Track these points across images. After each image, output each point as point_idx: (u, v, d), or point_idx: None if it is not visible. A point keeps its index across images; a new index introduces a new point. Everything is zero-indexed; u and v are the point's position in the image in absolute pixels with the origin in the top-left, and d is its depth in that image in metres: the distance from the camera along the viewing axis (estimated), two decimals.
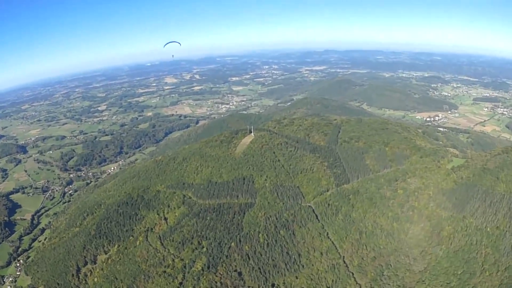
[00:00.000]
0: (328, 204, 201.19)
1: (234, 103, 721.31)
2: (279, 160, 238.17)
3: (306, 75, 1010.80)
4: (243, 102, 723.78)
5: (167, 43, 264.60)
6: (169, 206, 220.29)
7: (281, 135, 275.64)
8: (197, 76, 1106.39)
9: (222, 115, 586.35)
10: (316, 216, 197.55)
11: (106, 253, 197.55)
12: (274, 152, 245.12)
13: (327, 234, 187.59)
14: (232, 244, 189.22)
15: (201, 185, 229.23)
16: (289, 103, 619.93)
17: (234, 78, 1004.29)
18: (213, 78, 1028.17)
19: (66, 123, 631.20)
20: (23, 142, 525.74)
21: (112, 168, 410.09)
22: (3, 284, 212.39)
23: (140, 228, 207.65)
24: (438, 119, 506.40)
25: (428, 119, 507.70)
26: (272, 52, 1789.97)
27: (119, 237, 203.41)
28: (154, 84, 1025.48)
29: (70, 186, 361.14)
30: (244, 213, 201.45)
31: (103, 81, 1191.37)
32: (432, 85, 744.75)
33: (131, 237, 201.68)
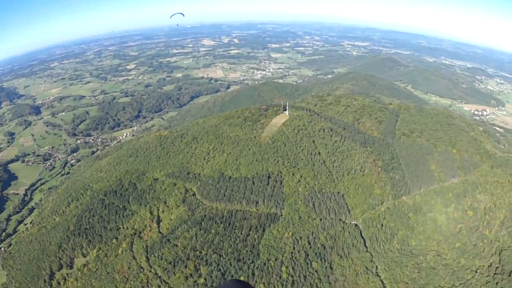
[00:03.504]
0: (382, 225, 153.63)
1: (271, 70, 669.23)
2: (319, 153, 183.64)
3: (348, 49, 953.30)
4: (280, 70, 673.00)
5: (173, 15, 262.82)
6: (165, 203, 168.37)
7: (324, 117, 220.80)
8: (235, 40, 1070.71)
9: (256, 82, 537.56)
10: (364, 241, 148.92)
11: (84, 256, 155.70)
12: (313, 142, 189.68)
13: (377, 269, 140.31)
14: (242, 278, 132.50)
15: (210, 178, 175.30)
16: (329, 76, 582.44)
17: (273, 45, 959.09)
18: (252, 43, 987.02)
19: (89, 82, 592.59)
20: (40, 102, 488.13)
21: (125, 134, 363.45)
22: None
23: (127, 229, 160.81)
24: (486, 114, 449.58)
25: (476, 112, 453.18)
26: (314, 24, 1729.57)
27: (100, 237, 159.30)
28: (191, 45, 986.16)
29: (74, 155, 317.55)
30: (264, 230, 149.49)
31: (139, 40, 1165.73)
32: (477, 77, 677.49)
33: (114, 240, 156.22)
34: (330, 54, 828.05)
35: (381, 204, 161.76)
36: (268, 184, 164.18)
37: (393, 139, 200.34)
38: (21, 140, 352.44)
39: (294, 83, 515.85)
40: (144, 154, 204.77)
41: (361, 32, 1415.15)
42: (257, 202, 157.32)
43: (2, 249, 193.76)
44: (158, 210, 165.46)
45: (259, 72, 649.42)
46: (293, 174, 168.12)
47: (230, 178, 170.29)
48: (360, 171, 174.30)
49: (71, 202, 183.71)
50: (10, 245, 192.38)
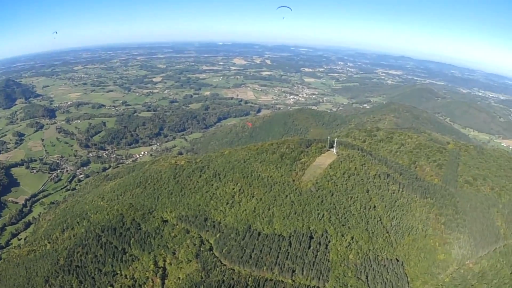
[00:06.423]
0: None
1: (304, 96, 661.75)
2: (374, 207, 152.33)
3: (382, 77, 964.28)
4: (314, 96, 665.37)
5: (280, 7, 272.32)
6: (174, 254, 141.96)
7: (378, 159, 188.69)
8: (268, 61, 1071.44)
9: (289, 107, 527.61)
10: None
11: None
12: (367, 191, 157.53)
13: None
14: None
15: (234, 230, 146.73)
16: (365, 105, 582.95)
17: (306, 69, 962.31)
18: (285, 66, 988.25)
19: (111, 91, 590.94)
20: (56, 105, 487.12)
21: (142, 152, 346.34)
22: None
23: (125, 277, 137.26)
24: None
25: None
26: (347, 50, 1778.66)
27: (93, 280, 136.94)
28: (221, 63, 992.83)
29: (84, 168, 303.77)
30: None
31: (168, 53, 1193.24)
32: (511, 110, 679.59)
33: None
34: (365, 82, 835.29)
35: (444, 271, 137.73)
36: (309, 247, 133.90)
37: (455, 188, 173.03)
38: (30, 143, 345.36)
39: (329, 111, 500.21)
40: (154, 187, 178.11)
41: (394, 60, 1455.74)
42: (293, 271, 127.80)
43: None
44: (164, 261, 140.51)
45: (291, 96, 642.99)
46: (342, 235, 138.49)
47: (259, 234, 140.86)
48: (422, 230, 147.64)
49: (65, 229, 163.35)
50: (0, 259, 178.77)
